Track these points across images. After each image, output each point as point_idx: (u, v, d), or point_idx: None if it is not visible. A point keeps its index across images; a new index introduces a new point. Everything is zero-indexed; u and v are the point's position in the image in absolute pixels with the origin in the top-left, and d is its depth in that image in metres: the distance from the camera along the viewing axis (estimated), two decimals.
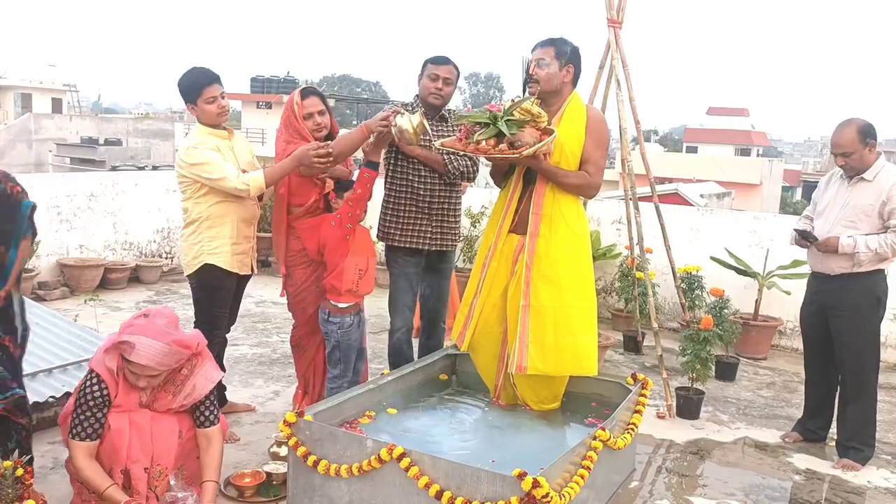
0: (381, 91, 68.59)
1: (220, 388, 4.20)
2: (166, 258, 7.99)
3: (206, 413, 3.14)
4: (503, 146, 3.31)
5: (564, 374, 3.69)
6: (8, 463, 2.71)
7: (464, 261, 7.75)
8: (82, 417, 2.94)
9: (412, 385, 3.90)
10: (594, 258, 4.92)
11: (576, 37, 3.70)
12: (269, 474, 3.37)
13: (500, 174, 3.79)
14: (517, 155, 3.32)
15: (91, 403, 2.95)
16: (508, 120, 3.31)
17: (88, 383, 2.98)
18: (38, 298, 6.18)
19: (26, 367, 3.78)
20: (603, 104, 4.94)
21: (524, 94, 3.59)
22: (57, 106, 43.80)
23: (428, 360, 4.05)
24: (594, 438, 3.11)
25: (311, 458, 3.00)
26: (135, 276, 7.54)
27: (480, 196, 7.81)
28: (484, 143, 3.33)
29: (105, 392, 2.96)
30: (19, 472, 2.73)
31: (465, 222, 7.56)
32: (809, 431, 4.34)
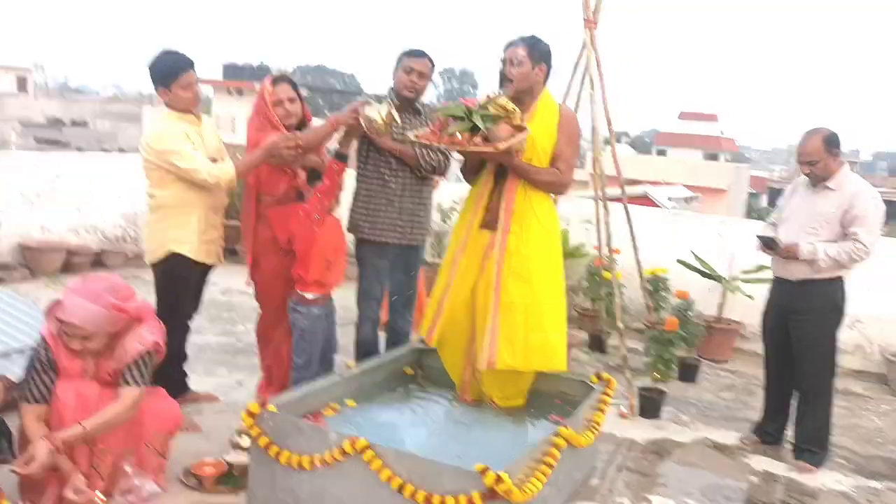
0: (355, 83, 68.29)
1: (182, 375, 4.16)
2: (131, 244, 7.88)
3: (131, 374, 3.02)
4: (477, 140, 3.33)
5: (533, 370, 3.72)
6: None
7: (433, 255, 7.75)
8: (31, 380, 2.95)
9: (377, 378, 3.90)
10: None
11: (551, 35, 3.74)
12: (230, 464, 3.34)
13: (471, 170, 3.80)
14: (491, 150, 3.33)
15: (38, 366, 2.95)
16: (483, 115, 3.32)
17: (36, 346, 3.00)
18: None
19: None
20: (576, 104, 4.97)
21: (500, 89, 3.60)
22: (22, 85, 42.94)
23: (394, 354, 4.06)
24: (557, 436, 3.13)
25: (274, 449, 2.99)
26: (98, 261, 7.43)
27: (451, 191, 7.81)
28: (458, 136, 3.34)
29: (50, 355, 2.95)
30: None
31: (435, 217, 7.56)
32: (767, 434, 4.41)
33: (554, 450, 3.07)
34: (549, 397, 3.92)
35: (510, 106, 3.41)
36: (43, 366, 2.96)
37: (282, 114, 3.86)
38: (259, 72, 34.63)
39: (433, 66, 4.27)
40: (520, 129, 3.42)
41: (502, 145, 3.32)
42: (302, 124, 3.98)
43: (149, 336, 3.09)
